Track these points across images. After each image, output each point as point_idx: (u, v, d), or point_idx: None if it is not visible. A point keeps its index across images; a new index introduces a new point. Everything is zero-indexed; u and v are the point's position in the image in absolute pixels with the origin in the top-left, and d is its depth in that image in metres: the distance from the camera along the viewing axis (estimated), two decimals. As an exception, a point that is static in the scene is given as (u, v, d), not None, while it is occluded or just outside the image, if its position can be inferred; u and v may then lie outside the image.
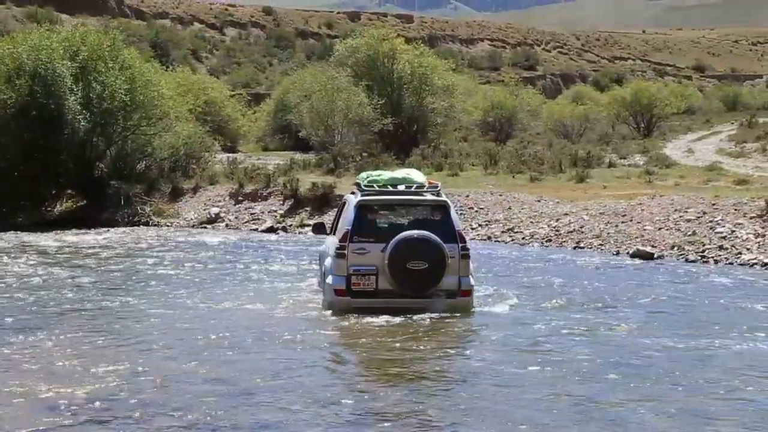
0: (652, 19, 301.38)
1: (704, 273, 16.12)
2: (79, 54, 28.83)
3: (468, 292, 12.64)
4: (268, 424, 8.08)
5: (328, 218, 17.17)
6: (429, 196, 13.12)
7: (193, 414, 8.28)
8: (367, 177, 13.68)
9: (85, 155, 28.93)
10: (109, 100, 28.47)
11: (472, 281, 12.76)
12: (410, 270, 12.38)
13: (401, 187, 13.24)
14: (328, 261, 13.18)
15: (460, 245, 12.54)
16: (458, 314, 12.38)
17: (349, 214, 12.97)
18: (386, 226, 13.00)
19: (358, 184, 13.71)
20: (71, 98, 27.70)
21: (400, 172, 14.15)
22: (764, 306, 13.05)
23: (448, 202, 13.14)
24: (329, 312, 12.71)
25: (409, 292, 12.47)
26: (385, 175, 13.79)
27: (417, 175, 13.73)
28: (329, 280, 12.85)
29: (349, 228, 12.70)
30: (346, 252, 12.58)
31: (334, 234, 13.75)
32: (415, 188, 13.22)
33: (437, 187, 13.52)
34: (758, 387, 8.93)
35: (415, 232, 12.50)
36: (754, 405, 8.39)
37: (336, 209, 15.66)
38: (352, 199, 13.21)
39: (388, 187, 13.25)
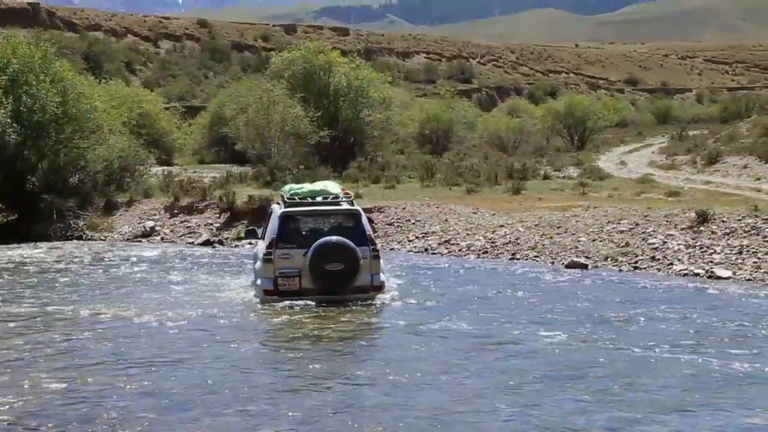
0: (584, 34, 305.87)
1: (623, 280, 16.38)
2: (9, 66, 28.35)
3: (379, 287, 14.57)
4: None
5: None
6: (344, 205, 15.02)
7: (127, 429, 8.18)
8: (290, 190, 15.50)
9: (15, 168, 28.41)
10: (41, 113, 28.03)
11: (382, 277, 14.70)
12: (328, 271, 14.20)
13: (319, 199, 15.09)
14: (257, 265, 14.91)
15: (371, 247, 14.48)
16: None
17: (273, 223, 14.69)
18: (307, 232, 14.70)
19: (282, 197, 15.44)
20: (0, 111, 27.21)
21: (318, 185, 15.91)
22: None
23: (360, 210, 15.09)
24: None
25: (327, 289, 14.23)
26: (306, 187, 15.69)
27: (333, 187, 15.68)
28: (259, 282, 14.65)
29: (275, 236, 14.46)
30: (272, 257, 14.38)
31: (263, 238, 15.41)
32: (332, 199, 15.11)
33: (351, 196, 15.54)
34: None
35: (332, 238, 14.30)
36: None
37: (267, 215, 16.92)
38: (277, 210, 14.96)
39: (308, 198, 15.08)
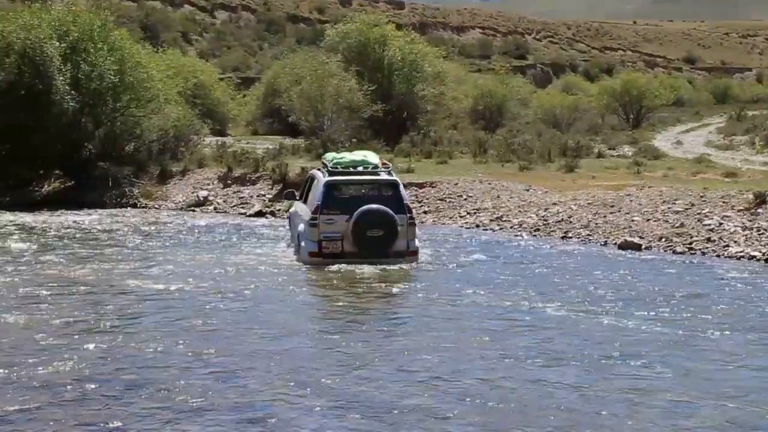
0: (640, 10, 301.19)
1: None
2: (68, 34, 28.67)
3: (414, 253, 15.70)
4: (250, 405, 8.08)
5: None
6: (383, 176, 16.06)
7: (176, 395, 8.28)
8: (333, 159, 16.55)
9: (72, 136, 28.78)
10: (98, 81, 28.34)
11: (417, 243, 15.85)
12: (369, 236, 15.30)
13: (360, 168, 16.13)
14: (301, 227, 15.91)
15: (408, 215, 15.58)
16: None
17: (318, 190, 15.76)
18: (349, 200, 15.73)
19: (324, 164, 16.46)
20: (59, 78, 27.55)
21: (359, 155, 17.04)
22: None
23: (398, 180, 16.22)
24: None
25: (368, 253, 15.25)
26: (347, 157, 16.75)
27: (372, 157, 16.78)
28: (304, 244, 15.64)
29: (319, 203, 15.55)
30: (317, 222, 15.45)
31: (303, 201, 16.73)
32: (372, 169, 16.18)
33: (389, 167, 16.61)
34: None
35: (374, 206, 15.34)
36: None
37: (305, 179, 18.19)
38: (321, 178, 15.94)
39: (350, 168, 16.10)
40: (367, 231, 15.29)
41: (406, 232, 15.47)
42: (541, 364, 9.44)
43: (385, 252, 15.36)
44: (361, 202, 15.54)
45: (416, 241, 15.85)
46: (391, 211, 15.33)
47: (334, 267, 15.04)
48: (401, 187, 16.02)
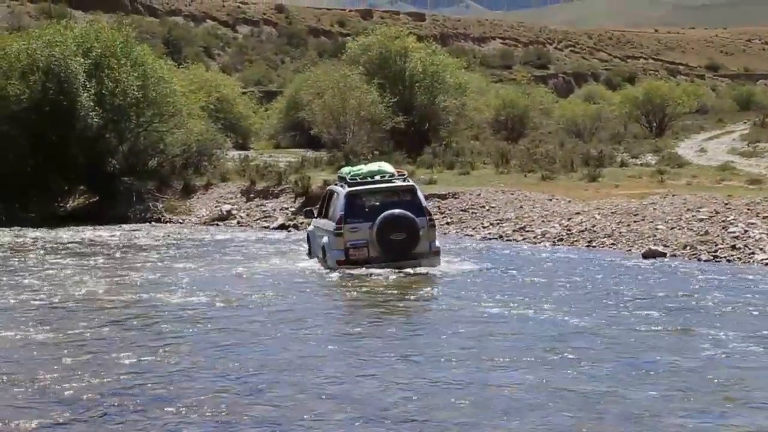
0: (662, 18, 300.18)
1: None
2: (92, 51, 28.92)
3: (437, 252, 16.44)
4: (277, 420, 8.08)
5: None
6: (400, 183, 16.75)
7: (202, 410, 8.30)
8: (350, 171, 17.19)
9: (97, 151, 29.00)
10: (122, 97, 28.58)
11: (437, 243, 16.57)
12: (393, 240, 15.99)
13: (377, 177, 16.75)
14: (325, 239, 16.66)
15: (428, 218, 16.37)
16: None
17: (340, 201, 16.40)
18: (370, 207, 16.40)
19: (341, 177, 17.10)
20: (84, 94, 27.80)
21: (374, 165, 17.65)
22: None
23: (416, 185, 17.05)
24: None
25: (393, 256, 16.01)
26: (364, 168, 17.38)
27: (387, 167, 17.44)
28: (331, 254, 16.33)
29: (343, 213, 16.22)
30: (342, 231, 16.14)
31: (321, 217, 17.46)
32: (388, 177, 16.83)
33: (405, 175, 17.29)
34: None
35: (395, 211, 16.04)
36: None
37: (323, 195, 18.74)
38: (341, 190, 16.59)
39: (368, 178, 16.71)
40: (391, 235, 15.96)
41: (428, 233, 16.19)
42: (570, 375, 9.40)
43: (409, 254, 16.05)
44: (382, 208, 16.23)
45: (437, 241, 16.59)
46: (411, 215, 16.02)
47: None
48: (419, 191, 16.79)
